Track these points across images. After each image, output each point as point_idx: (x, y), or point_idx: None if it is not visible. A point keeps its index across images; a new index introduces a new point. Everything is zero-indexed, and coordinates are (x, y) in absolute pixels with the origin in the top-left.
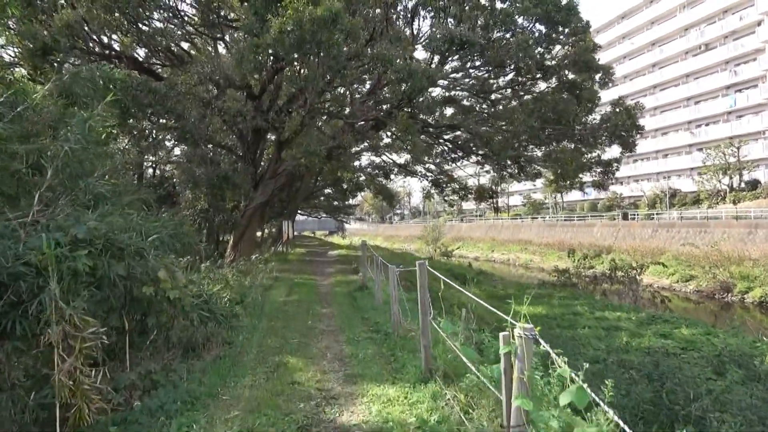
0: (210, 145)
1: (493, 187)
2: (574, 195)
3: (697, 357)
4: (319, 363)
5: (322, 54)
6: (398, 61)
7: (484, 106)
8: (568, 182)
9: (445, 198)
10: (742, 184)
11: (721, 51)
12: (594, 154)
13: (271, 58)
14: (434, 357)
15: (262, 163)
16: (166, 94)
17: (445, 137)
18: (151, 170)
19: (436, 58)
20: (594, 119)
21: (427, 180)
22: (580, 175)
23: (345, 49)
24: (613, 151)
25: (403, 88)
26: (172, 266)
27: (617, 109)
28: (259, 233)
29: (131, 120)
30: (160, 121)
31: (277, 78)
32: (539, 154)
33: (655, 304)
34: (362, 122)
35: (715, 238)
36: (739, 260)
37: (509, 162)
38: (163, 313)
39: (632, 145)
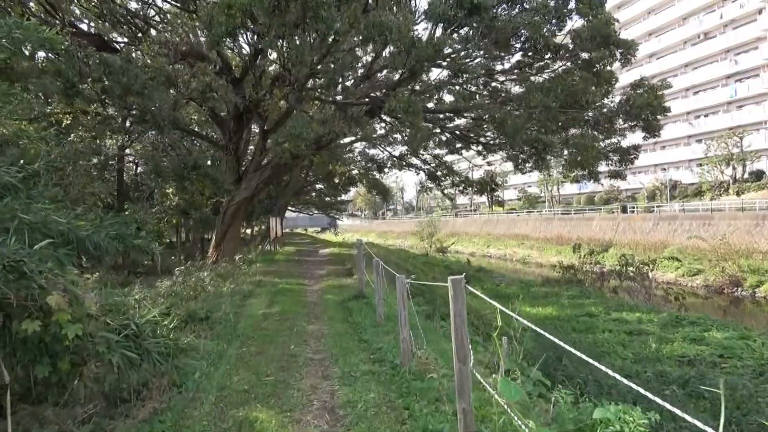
0: (179, 132)
1: (496, 179)
2: (570, 188)
3: (739, 366)
4: (301, 418)
5: (308, 17)
6: (399, 29)
7: (485, 92)
8: (586, 171)
9: (444, 191)
10: (746, 175)
11: (721, 40)
12: (612, 141)
13: (250, 28)
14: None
15: (248, 156)
16: (122, 68)
17: (447, 125)
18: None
19: (439, 31)
20: (612, 101)
21: (423, 173)
22: (599, 164)
23: (337, 14)
24: (630, 138)
25: (405, 60)
26: (75, 287)
27: (638, 90)
28: (248, 230)
29: (78, 98)
30: (117, 100)
31: (260, 59)
32: (556, 139)
33: (669, 302)
34: (356, 106)
35: (721, 230)
36: (747, 253)
37: (525, 147)
38: (62, 358)
39: (657, 129)
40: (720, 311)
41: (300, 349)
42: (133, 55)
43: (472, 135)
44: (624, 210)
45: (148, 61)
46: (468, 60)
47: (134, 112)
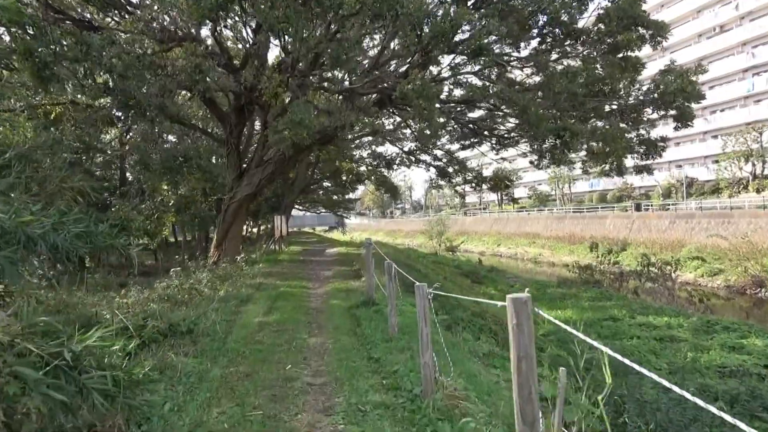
0: (170, 122)
1: (510, 176)
2: (582, 186)
3: None
4: None
5: None
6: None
7: (499, 85)
8: (614, 164)
9: (456, 188)
10: (766, 171)
11: (738, 32)
12: (639, 132)
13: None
14: None
15: (250, 153)
16: (102, 47)
17: (460, 118)
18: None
19: (452, 9)
20: (639, 88)
21: (434, 170)
22: (626, 157)
23: None
24: (656, 130)
25: (418, 39)
26: None
27: (669, 76)
28: (254, 229)
29: (54, 83)
30: (98, 84)
31: (260, 45)
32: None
33: (692, 304)
34: (364, 95)
35: (741, 228)
36: None
37: (549, 138)
38: None
39: (690, 118)
40: (743, 313)
41: (298, 371)
42: (118, 36)
43: (486, 128)
44: (638, 208)
45: (133, 41)
46: (486, 41)
47: (118, 98)
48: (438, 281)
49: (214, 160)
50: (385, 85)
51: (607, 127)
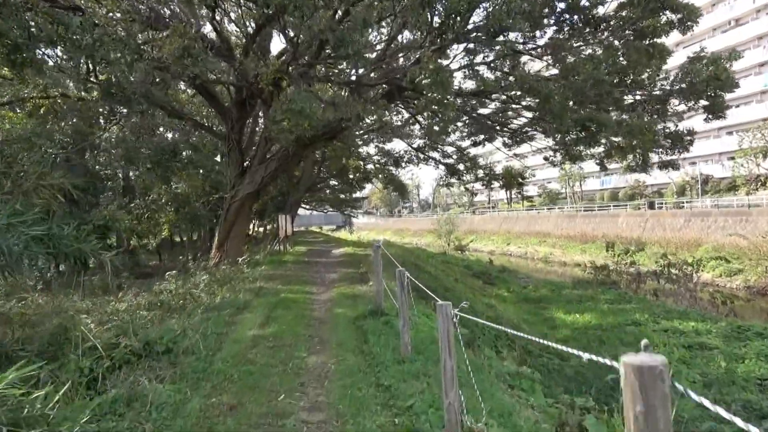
0: (159, 111)
1: (523, 173)
2: (593, 184)
3: None
4: None
5: None
6: None
7: (510, 78)
8: (640, 159)
9: (467, 186)
10: None
11: (753, 26)
12: (665, 125)
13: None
14: None
15: (253, 150)
16: (83, 29)
17: (472, 112)
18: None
19: None
20: (665, 78)
21: (443, 167)
22: (654, 151)
23: None
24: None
25: (430, 18)
26: None
27: (698, 64)
28: (260, 229)
29: (30, 68)
30: (80, 69)
31: (265, 32)
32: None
33: (715, 306)
34: (372, 87)
35: (760, 227)
36: None
37: (574, 129)
38: None
39: (722, 108)
40: (764, 315)
41: (292, 402)
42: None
43: (498, 123)
44: (651, 206)
45: (115, 22)
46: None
47: (100, 85)
48: (449, 283)
49: (217, 157)
50: (396, 76)
51: (633, 119)
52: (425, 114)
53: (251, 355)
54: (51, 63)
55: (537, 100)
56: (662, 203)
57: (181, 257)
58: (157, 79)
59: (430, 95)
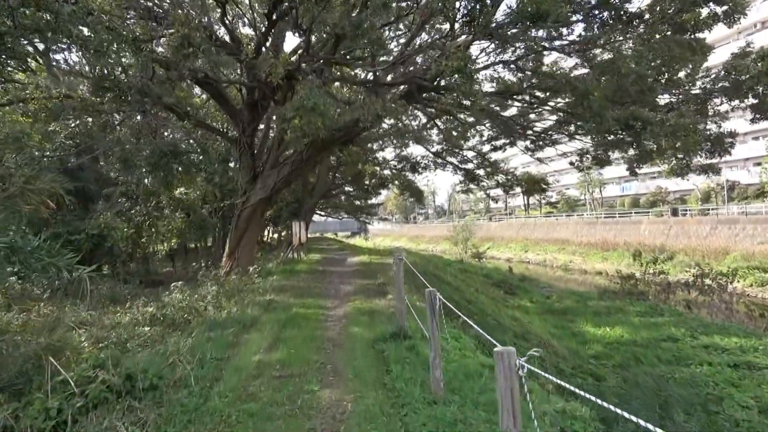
0: (161, 110)
1: (545, 178)
2: (613, 190)
3: None
4: None
5: None
6: None
7: (534, 80)
8: (684, 162)
9: (487, 192)
10: None
11: None
12: (706, 126)
13: None
14: None
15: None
16: (75, 18)
17: (497, 115)
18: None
19: None
20: (704, 75)
21: (461, 173)
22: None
23: None
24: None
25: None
26: None
27: (745, 60)
28: (275, 235)
29: (12, 60)
30: (68, 58)
31: (278, 29)
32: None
33: (753, 318)
34: (391, 86)
35: None
36: None
37: (616, 129)
38: None
39: None
40: None
41: None
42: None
43: (521, 126)
44: (675, 213)
45: (109, 10)
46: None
47: (92, 79)
48: (470, 294)
49: (231, 163)
50: (416, 75)
51: (676, 118)
52: (444, 118)
53: (254, 389)
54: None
55: (569, 99)
56: (686, 210)
57: (194, 264)
58: (158, 72)
59: (457, 88)
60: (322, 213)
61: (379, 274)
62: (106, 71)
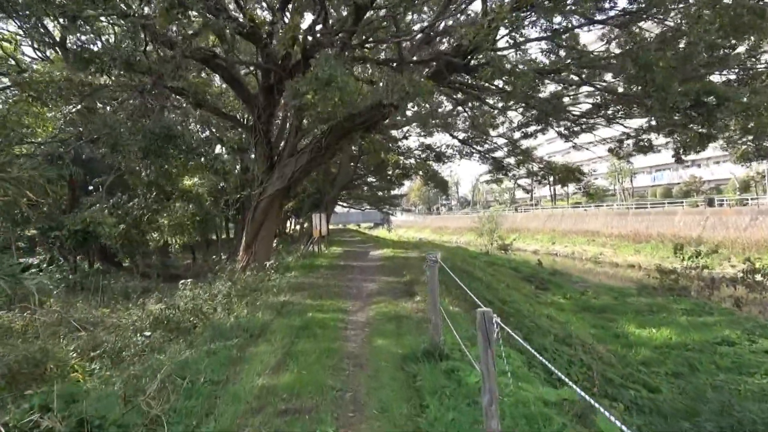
0: (159, 87)
1: (581, 167)
2: (643, 180)
3: None
4: None
5: None
6: None
7: (570, 59)
8: (756, 143)
9: (519, 183)
10: None
11: None
12: None
13: None
14: None
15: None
16: None
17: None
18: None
19: None
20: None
21: (487, 161)
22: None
23: None
24: None
25: None
26: None
27: None
28: (297, 227)
29: None
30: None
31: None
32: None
33: None
34: (418, 64)
35: None
36: None
37: (682, 106)
38: None
39: None
40: None
41: None
42: None
43: (557, 109)
44: (711, 203)
45: None
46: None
47: (72, 50)
48: (503, 291)
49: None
50: (446, 53)
51: (750, 95)
52: (470, 104)
53: (251, 427)
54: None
55: (628, 74)
56: (723, 200)
57: (214, 257)
58: (163, 54)
59: (494, 64)
60: (345, 204)
61: (404, 271)
62: (83, 39)
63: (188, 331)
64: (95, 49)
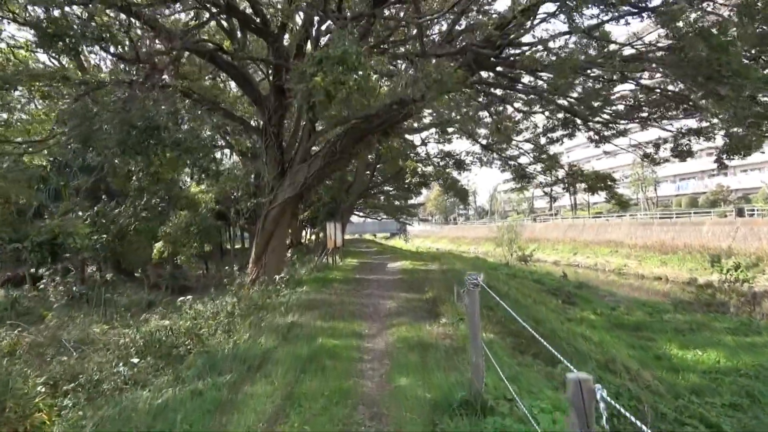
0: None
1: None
2: (667, 189)
3: None
4: None
5: None
6: None
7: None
8: None
9: (545, 190)
10: None
11: None
12: None
13: None
14: None
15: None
16: None
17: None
18: None
19: None
20: None
21: (509, 168)
22: None
23: None
24: None
25: None
26: None
27: None
28: (312, 237)
29: None
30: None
31: None
32: None
33: None
34: (445, 55)
35: None
36: None
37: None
38: None
39: None
40: None
41: None
42: None
43: (587, 110)
44: (740, 213)
45: None
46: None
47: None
48: (533, 309)
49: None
50: (474, 44)
51: None
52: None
53: None
54: None
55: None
56: (753, 210)
57: (226, 268)
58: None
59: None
60: (361, 214)
61: (425, 286)
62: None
63: (181, 358)
64: (63, 23)
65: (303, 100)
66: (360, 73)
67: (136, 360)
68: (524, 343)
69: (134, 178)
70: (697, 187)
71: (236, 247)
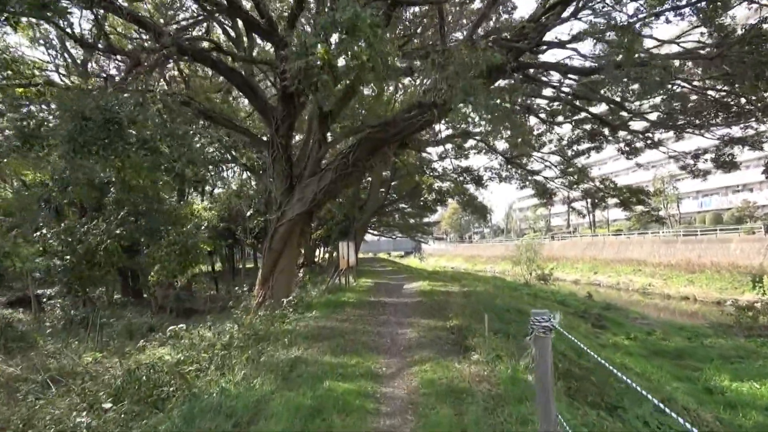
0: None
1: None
2: (690, 205)
3: None
4: None
5: None
6: None
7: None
8: None
9: (572, 206)
10: None
11: None
12: None
13: None
14: None
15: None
16: None
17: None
18: None
19: None
20: None
21: (530, 183)
22: None
23: None
24: None
25: None
26: None
27: None
28: (326, 255)
29: None
30: None
31: None
32: None
33: None
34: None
35: None
36: None
37: None
38: None
39: None
40: None
41: None
42: None
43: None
44: None
45: None
46: None
47: None
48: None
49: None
50: (507, 38)
51: None
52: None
53: None
54: None
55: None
56: None
57: (237, 288)
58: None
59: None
60: (375, 232)
61: (448, 311)
62: None
63: (163, 402)
64: None
65: (304, 83)
66: (376, 42)
67: (107, 405)
68: (575, 385)
69: (97, 186)
70: (721, 203)
71: (248, 266)
